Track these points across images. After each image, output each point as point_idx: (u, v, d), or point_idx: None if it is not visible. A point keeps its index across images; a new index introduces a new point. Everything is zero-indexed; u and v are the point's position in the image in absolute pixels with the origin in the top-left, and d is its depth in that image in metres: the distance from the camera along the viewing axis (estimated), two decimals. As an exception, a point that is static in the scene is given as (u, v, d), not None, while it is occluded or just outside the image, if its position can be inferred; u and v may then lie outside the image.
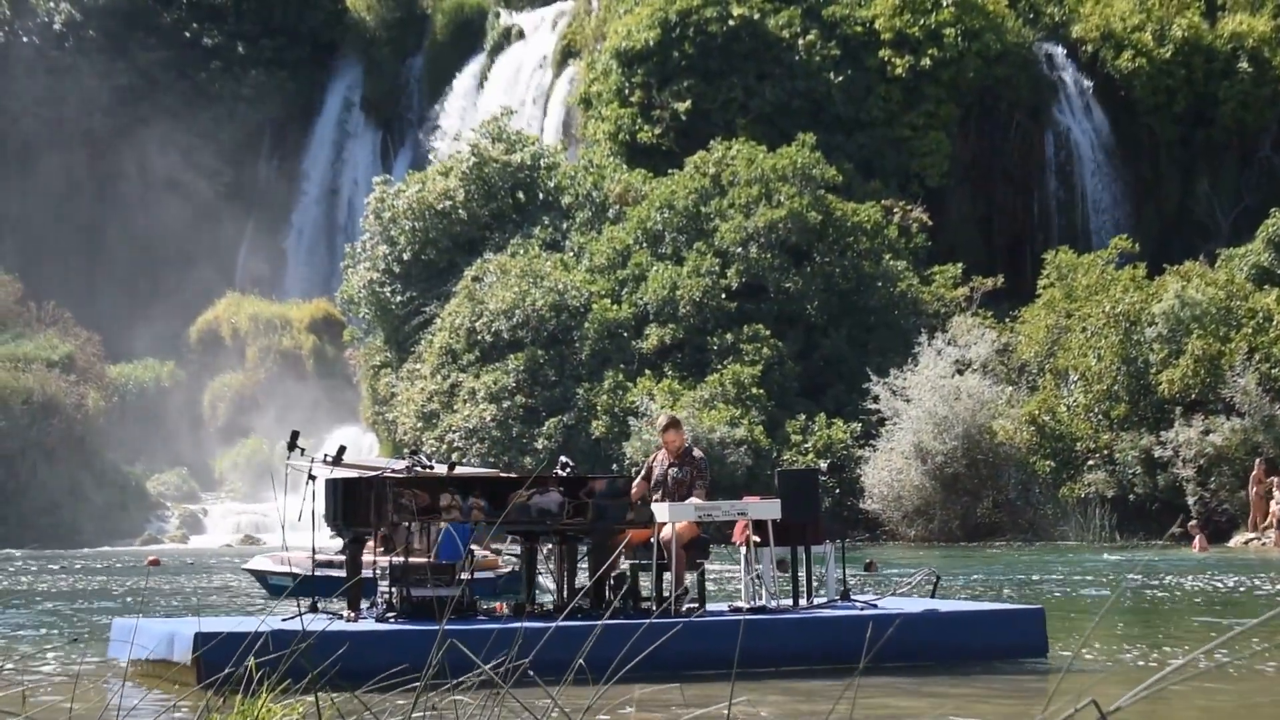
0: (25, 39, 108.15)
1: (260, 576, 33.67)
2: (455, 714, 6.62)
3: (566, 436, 67.72)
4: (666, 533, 16.50)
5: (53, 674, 14.48)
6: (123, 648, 15.13)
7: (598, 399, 68.87)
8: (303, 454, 15.62)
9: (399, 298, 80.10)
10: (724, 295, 71.17)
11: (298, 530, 15.82)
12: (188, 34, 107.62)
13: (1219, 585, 30.94)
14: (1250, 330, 60.16)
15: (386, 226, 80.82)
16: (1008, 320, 70.48)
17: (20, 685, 11.18)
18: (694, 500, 16.91)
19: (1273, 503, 54.19)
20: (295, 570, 32.55)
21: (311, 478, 15.89)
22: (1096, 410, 61.59)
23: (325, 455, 16.05)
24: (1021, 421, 62.11)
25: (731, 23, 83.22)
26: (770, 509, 17.01)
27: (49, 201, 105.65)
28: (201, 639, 13.82)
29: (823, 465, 16.82)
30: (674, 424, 17.85)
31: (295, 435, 15.96)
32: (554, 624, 8.48)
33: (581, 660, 6.18)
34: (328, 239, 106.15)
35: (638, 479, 17.78)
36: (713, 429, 64.20)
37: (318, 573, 32.53)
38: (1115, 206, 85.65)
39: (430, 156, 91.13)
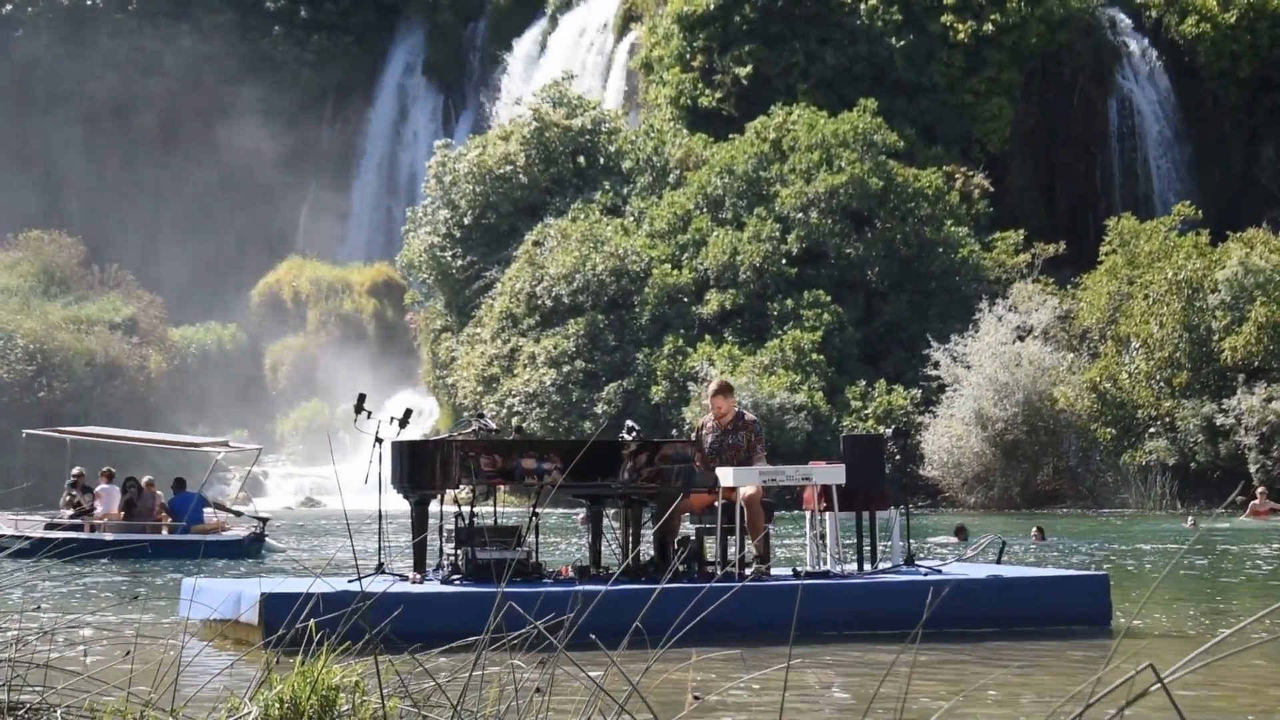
0: (90, 2, 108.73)
1: None
2: (512, 676, 6.66)
3: (626, 401, 67.86)
4: (734, 496, 16.43)
5: (115, 632, 14.62)
6: (190, 606, 15.30)
7: (657, 364, 68.94)
8: (369, 416, 15.67)
9: (459, 262, 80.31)
10: (784, 261, 71.09)
11: (365, 491, 15.87)
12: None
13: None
14: (1315, 298, 59.74)
15: (447, 190, 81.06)
16: (1069, 287, 70.11)
17: (81, 642, 11.31)
18: (760, 465, 16.84)
19: None
20: (26, 534, 32.92)
21: (378, 440, 15.93)
22: (1158, 377, 61.27)
23: (392, 418, 16.08)
24: (1083, 388, 61.86)
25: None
26: (835, 474, 17.00)
27: (113, 165, 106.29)
28: (266, 599, 13.95)
29: (887, 431, 16.75)
30: (725, 389, 17.48)
31: (362, 398, 16.00)
32: (607, 587, 8.52)
33: (640, 624, 6.19)
34: (389, 203, 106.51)
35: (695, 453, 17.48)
36: (773, 395, 64.21)
37: (46, 534, 33.04)
38: (1178, 173, 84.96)
39: (491, 121, 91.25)
